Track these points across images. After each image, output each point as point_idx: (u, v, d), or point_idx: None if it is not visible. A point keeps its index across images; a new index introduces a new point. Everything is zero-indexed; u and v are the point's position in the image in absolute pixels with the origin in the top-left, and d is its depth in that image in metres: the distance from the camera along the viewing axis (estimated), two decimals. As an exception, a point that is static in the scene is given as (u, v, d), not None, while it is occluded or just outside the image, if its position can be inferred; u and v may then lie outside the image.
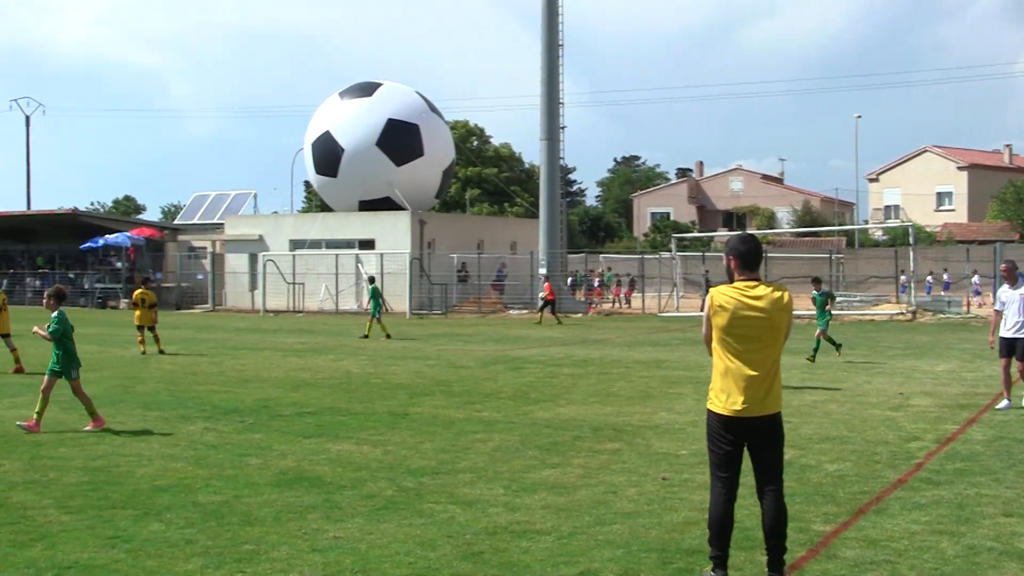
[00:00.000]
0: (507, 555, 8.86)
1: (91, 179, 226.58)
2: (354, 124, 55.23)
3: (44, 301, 17.09)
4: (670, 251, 57.88)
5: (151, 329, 29.46)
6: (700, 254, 62.58)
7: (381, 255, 52.55)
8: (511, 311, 51.98)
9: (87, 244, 60.75)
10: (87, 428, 15.59)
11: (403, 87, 59.03)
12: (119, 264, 61.53)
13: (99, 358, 27.21)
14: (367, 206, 55.66)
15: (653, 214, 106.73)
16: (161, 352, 28.74)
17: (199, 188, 79.94)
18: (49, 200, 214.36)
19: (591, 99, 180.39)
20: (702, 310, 9.81)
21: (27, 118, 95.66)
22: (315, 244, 55.74)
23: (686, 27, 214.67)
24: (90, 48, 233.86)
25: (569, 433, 15.10)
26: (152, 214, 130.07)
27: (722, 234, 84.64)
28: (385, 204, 55.04)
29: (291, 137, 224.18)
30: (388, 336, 34.68)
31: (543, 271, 50.44)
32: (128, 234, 60.73)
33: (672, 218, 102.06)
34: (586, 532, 9.58)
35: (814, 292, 26.66)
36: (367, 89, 57.23)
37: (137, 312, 29.67)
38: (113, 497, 11.00)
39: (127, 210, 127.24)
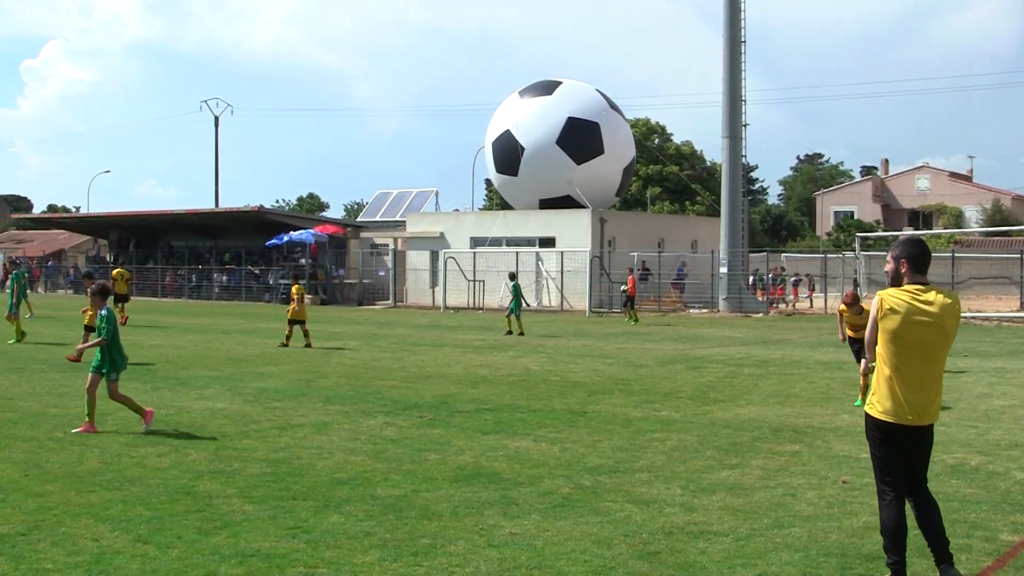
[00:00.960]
0: (683, 555, 8.79)
1: (276, 177, 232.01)
2: (534, 123, 55.42)
3: (89, 298, 16.07)
4: (853, 251, 56.82)
5: (303, 323, 30.00)
6: (884, 254, 61.16)
7: (561, 253, 52.65)
8: (691, 310, 51.63)
9: (272, 241, 62.04)
10: (76, 431, 14.74)
11: (583, 85, 59.06)
12: (303, 260, 62.73)
13: (281, 353, 27.81)
14: (547, 204, 55.82)
15: (836, 213, 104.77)
16: (308, 346, 29.35)
17: (381, 186, 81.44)
18: (236, 198, 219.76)
19: (774, 96, 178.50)
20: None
21: (216, 118, 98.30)
22: (495, 242, 56.07)
23: (872, 21, 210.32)
24: (276, 49, 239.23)
25: (748, 434, 14.94)
26: (335, 211, 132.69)
27: (908, 233, 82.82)
28: (565, 202, 55.11)
29: (472, 135, 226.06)
30: (521, 334, 34.79)
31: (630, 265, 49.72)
32: (312, 231, 61.85)
33: (856, 217, 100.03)
34: (764, 534, 9.46)
35: None
36: (547, 87, 57.39)
37: (292, 306, 30.33)
38: (294, 488, 11.21)
39: (311, 207, 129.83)
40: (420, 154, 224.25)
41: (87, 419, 14.90)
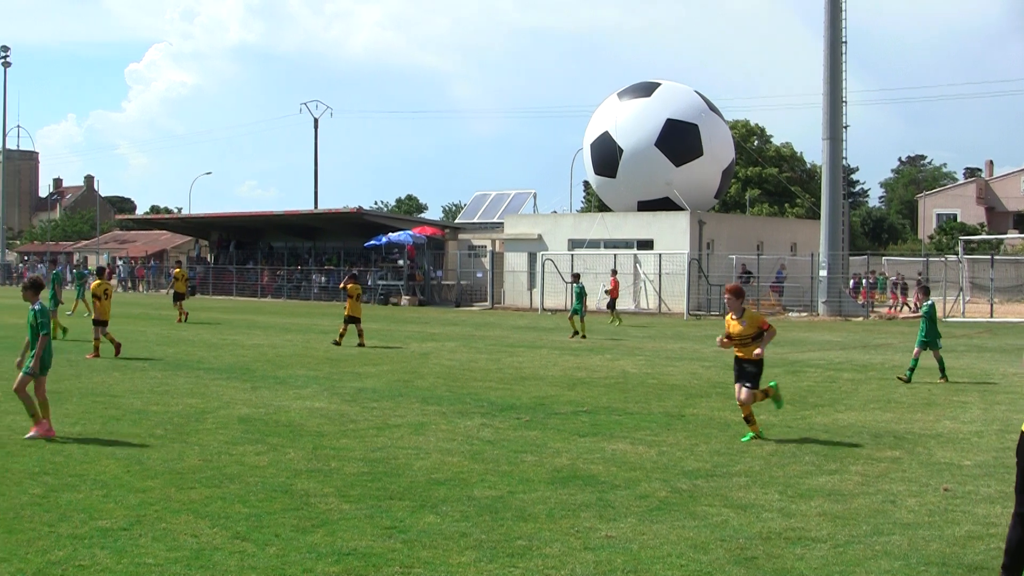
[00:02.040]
0: (781, 561, 8.70)
1: (375, 179, 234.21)
2: (633, 124, 55.25)
3: (22, 293, 14.91)
4: (956, 254, 55.94)
5: (358, 322, 30.36)
6: (988, 257, 60.15)
7: (659, 255, 52.43)
8: (790, 313, 51.13)
9: (371, 242, 62.40)
10: (28, 435, 14.11)
11: (682, 86, 58.74)
12: (400, 262, 63.03)
13: (379, 354, 27.97)
14: (646, 206, 55.61)
15: (939, 215, 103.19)
16: (360, 345, 29.69)
17: (479, 187, 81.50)
18: (335, 199, 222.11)
19: (875, 96, 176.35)
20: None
21: (315, 120, 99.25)
22: (593, 244, 55.96)
23: (977, 19, 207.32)
24: (375, 51, 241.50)
25: (847, 439, 14.77)
26: (433, 213, 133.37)
27: (1013, 237, 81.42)
28: (664, 204, 54.89)
29: (571, 137, 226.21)
30: (583, 336, 34.61)
31: (612, 267, 49.33)
32: (410, 232, 62.13)
33: (959, 220, 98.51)
34: (863, 541, 9.34)
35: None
36: (646, 89, 57.18)
37: (349, 303, 30.70)
38: (391, 488, 11.27)
39: (409, 209, 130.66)
40: (518, 156, 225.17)
41: (37, 421, 14.20)
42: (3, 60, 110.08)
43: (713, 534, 9.54)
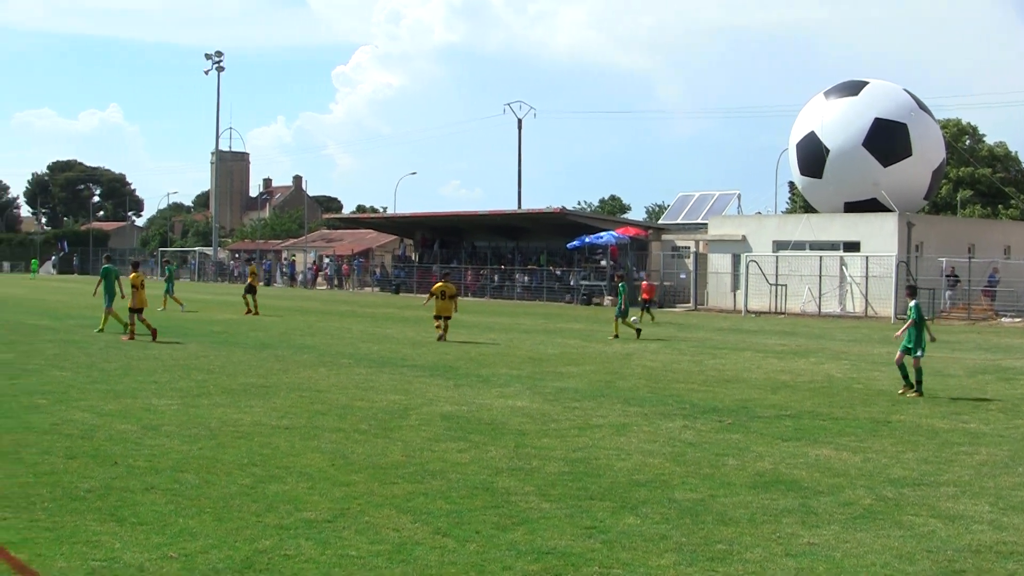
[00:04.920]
0: None
1: (578, 179, 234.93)
2: (840, 124, 54.31)
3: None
4: None
5: (447, 318, 31.10)
6: None
7: (866, 258, 51.46)
8: (1003, 319, 49.61)
9: (574, 242, 62.56)
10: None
11: (891, 85, 57.49)
12: (603, 262, 63.04)
13: (582, 352, 28.05)
14: (852, 207, 54.62)
15: None
16: (440, 339, 30.49)
17: (683, 188, 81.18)
18: (538, 199, 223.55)
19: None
20: None
21: (519, 121, 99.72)
22: (799, 245, 55.18)
23: None
24: (578, 51, 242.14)
25: (1064, 450, 14.27)
26: (636, 213, 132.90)
27: None
28: (871, 205, 53.82)
29: (776, 137, 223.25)
30: (616, 336, 34.05)
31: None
32: (613, 233, 62.06)
33: None
34: (1081, 557, 9.00)
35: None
36: (853, 88, 56.13)
37: (436, 302, 31.37)
38: (592, 488, 11.28)
39: (612, 209, 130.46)
40: (722, 156, 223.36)
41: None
42: (217, 65, 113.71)
43: (919, 545, 9.30)
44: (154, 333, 29.16)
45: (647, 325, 38.86)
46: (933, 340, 20.55)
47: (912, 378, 20.05)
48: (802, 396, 19.67)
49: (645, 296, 45.98)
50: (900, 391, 20.07)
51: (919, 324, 20.13)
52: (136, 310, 29.66)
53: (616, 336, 33.94)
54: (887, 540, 9.42)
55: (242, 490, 10.90)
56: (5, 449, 12.76)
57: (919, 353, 19.94)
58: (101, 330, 31.68)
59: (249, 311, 43.24)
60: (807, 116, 56.64)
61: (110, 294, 31.42)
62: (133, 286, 29.81)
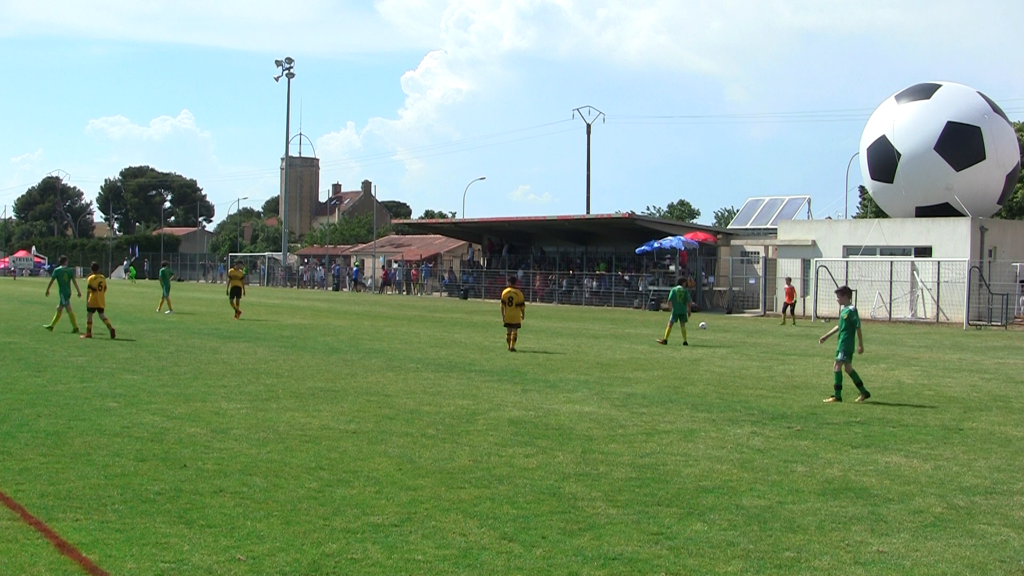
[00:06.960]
0: (1065, 585, 8.34)
1: (647, 184, 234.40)
2: (911, 128, 53.82)
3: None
4: None
5: (516, 327, 30.59)
6: None
7: (938, 263, 50.95)
8: (1079, 325, 48.95)
9: (643, 247, 62.44)
10: None
11: (964, 87, 56.87)
12: (672, 267, 62.88)
13: (650, 358, 27.97)
14: (924, 212, 54.10)
15: None
16: (512, 350, 29.63)
17: (753, 193, 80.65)
18: (607, 204, 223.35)
19: None
20: None
21: (588, 126, 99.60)
22: (869, 251, 54.74)
23: None
24: (648, 56, 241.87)
25: None
26: (706, 218, 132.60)
27: None
28: (943, 210, 53.29)
29: (846, 141, 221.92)
30: (665, 342, 33.31)
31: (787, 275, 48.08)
32: (682, 238, 61.89)
33: None
34: None
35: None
36: (925, 91, 55.59)
37: (506, 310, 30.78)
38: (659, 494, 11.24)
39: (681, 214, 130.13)
40: (792, 160, 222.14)
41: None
42: (287, 71, 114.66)
43: (992, 554, 9.19)
44: (112, 332, 30.81)
45: (734, 331, 38.58)
46: (861, 351, 20.21)
47: (852, 382, 19.76)
48: (872, 402, 19.48)
49: (787, 300, 47.33)
50: (857, 399, 19.53)
51: (850, 329, 19.81)
52: (94, 309, 31.68)
53: (664, 341, 33.45)
54: (958, 549, 9.31)
55: (309, 494, 10.95)
56: (77, 451, 12.91)
57: (839, 356, 19.76)
58: (51, 328, 32.89)
59: (238, 314, 42.45)
60: (878, 120, 56.18)
61: (65, 293, 32.78)
62: (91, 287, 31.81)
